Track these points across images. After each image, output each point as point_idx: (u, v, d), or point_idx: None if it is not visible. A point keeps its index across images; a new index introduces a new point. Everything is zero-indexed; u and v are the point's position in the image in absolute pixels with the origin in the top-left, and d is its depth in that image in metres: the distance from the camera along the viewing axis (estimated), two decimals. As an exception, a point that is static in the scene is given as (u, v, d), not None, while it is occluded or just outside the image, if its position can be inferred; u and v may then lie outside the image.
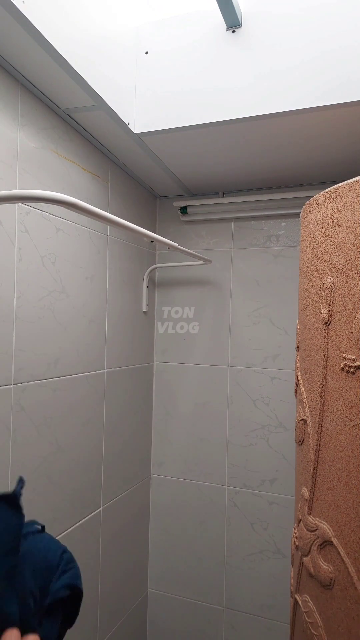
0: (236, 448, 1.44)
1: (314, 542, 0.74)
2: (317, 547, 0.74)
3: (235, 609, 1.44)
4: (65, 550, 0.55)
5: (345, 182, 0.71)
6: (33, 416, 0.93)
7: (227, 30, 0.97)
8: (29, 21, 0.70)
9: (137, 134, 1.06)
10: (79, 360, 1.08)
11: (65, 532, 1.04)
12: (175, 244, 1.10)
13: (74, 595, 0.52)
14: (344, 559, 0.68)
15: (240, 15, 0.95)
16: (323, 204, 0.75)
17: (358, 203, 0.68)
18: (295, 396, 0.88)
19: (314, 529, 0.75)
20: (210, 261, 1.37)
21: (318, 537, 0.73)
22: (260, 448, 1.41)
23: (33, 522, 0.54)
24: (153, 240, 0.96)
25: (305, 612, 0.78)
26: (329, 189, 0.74)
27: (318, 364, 0.75)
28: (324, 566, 0.72)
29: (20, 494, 0.48)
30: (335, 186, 0.72)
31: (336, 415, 0.71)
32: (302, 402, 0.82)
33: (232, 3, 0.89)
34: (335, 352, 0.71)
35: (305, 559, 0.77)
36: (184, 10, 1.01)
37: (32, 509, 0.93)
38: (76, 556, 1.15)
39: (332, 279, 0.72)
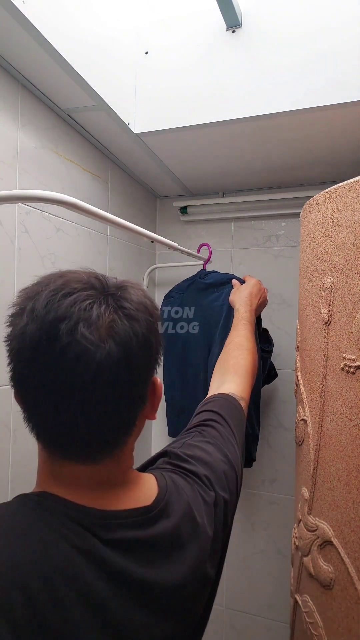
0: (236, 448, 1.44)
1: (314, 542, 0.74)
2: (317, 547, 0.74)
3: (235, 609, 1.44)
4: None
5: (345, 182, 0.71)
6: (33, 416, 0.93)
7: (227, 31, 0.97)
8: (29, 21, 0.70)
9: (137, 134, 1.06)
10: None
11: (65, 532, 1.04)
12: (175, 244, 1.10)
13: None
14: (344, 559, 0.68)
15: (240, 16, 0.95)
16: (323, 204, 0.75)
17: (358, 203, 0.68)
18: (295, 396, 0.88)
19: (314, 529, 0.75)
20: (209, 261, 1.37)
21: (318, 537, 0.73)
22: (260, 448, 1.41)
23: None
24: (153, 240, 0.96)
25: (305, 612, 0.78)
26: (329, 189, 0.74)
27: (318, 364, 0.75)
28: (324, 566, 0.72)
29: None
30: (335, 186, 0.72)
31: (336, 415, 0.71)
32: (302, 402, 0.82)
33: (232, 3, 0.89)
34: (335, 352, 0.71)
35: (305, 559, 0.77)
36: (184, 11, 1.01)
37: (32, 509, 0.93)
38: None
39: (332, 279, 0.72)
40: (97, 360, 0.40)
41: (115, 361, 0.41)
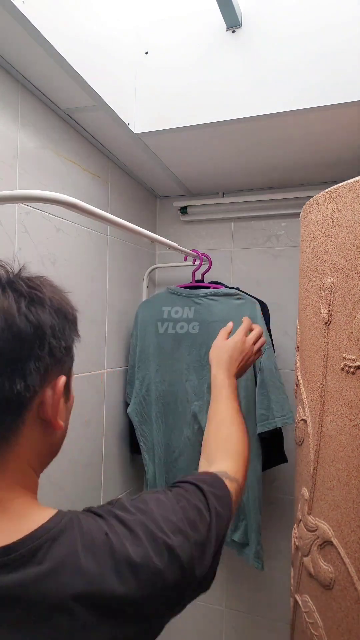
0: (236, 448, 1.44)
1: (314, 542, 0.74)
2: (317, 547, 0.74)
3: (235, 609, 1.44)
4: None
5: (345, 182, 0.71)
6: (33, 416, 0.93)
7: (227, 31, 0.97)
8: (29, 21, 0.70)
9: (137, 134, 1.06)
10: (79, 360, 1.08)
11: (65, 532, 1.04)
12: (176, 244, 1.10)
13: None
14: (344, 559, 0.68)
15: (240, 16, 0.95)
16: (323, 204, 0.75)
17: (358, 203, 0.68)
18: (295, 396, 0.88)
19: (314, 529, 0.75)
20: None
21: (318, 537, 0.73)
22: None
23: None
24: (153, 240, 0.96)
25: (305, 612, 0.78)
26: (329, 189, 0.74)
27: (318, 364, 0.75)
28: (324, 566, 0.72)
29: None
30: (335, 186, 0.72)
31: (336, 415, 0.71)
32: (302, 402, 0.82)
33: (232, 3, 0.89)
34: (335, 352, 0.71)
35: (305, 559, 0.77)
36: (184, 11, 1.01)
37: (32, 509, 0.93)
38: (76, 556, 1.14)
39: (332, 279, 0.72)
40: None
41: None
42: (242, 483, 0.67)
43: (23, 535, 0.39)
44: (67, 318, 0.48)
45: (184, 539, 0.46)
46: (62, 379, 0.46)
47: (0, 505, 0.41)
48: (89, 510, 0.46)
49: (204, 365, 1.24)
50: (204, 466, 0.72)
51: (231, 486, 0.62)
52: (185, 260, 1.36)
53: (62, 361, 0.47)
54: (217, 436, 0.76)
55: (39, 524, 0.40)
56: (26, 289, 0.43)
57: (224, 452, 0.72)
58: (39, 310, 0.43)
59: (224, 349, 0.90)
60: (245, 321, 0.96)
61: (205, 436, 0.79)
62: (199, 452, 0.76)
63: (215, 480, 0.60)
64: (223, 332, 0.96)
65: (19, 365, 0.41)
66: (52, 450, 0.48)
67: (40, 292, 0.44)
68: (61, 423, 0.46)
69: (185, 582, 0.45)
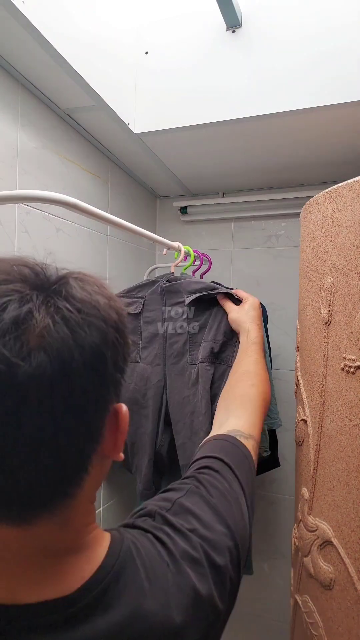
0: (236, 448, 1.44)
1: (314, 542, 0.74)
2: (317, 548, 0.74)
3: (235, 609, 1.44)
4: None
5: (345, 182, 0.71)
6: (33, 416, 0.92)
7: (227, 31, 0.97)
8: (29, 21, 0.70)
9: (137, 134, 1.06)
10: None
11: (65, 532, 1.04)
12: (175, 245, 1.10)
13: None
14: (344, 559, 0.68)
15: (240, 16, 0.94)
16: (323, 204, 0.75)
17: (358, 203, 0.68)
18: (295, 396, 0.88)
19: (314, 529, 0.75)
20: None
21: (318, 537, 0.73)
22: (260, 448, 1.41)
23: None
24: (153, 240, 0.96)
25: (305, 612, 0.78)
26: (329, 189, 0.74)
27: (318, 364, 0.75)
28: (324, 566, 0.71)
29: None
30: (335, 186, 0.72)
31: (336, 416, 0.71)
32: (302, 403, 0.82)
33: (232, 3, 0.89)
34: (335, 352, 0.71)
35: (305, 559, 0.77)
36: (184, 10, 1.01)
37: (32, 509, 0.93)
38: (76, 556, 1.13)
39: (332, 279, 0.72)
40: (18, 383, 0.29)
41: (47, 384, 0.30)
42: (258, 437, 0.69)
43: (88, 576, 0.36)
44: (123, 337, 0.37)
45: (233, 545, 0.47)
46: (123, 410, 0.39)
47: (85, 548, 0.38)
48: (134, 526, 0.43)
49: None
50: (220, 418, 0.73)
51: (247, 444, 0.63)
52: (185, 261, 1.36)
53: (119, 383, 0.38)
54: (235, 387, 0.79)
55: (100, 559, 0.37)
56: (82, 316, 0.33)
57: (240, 406, 0.73)
58: (102, 344, 0.33)
59: (254, 310, 0.93)
60: (244, 292, 1.00)
61: (225, 386, 0.82)
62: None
63: (235, 446, 0.61)
64: (228, 302, 0.98)
65: (89, 423, 0.35)
66: (104, 477, 0.43)
67: (100, 317, 0.34)
68: (121, 454, 0.41)
69: (240, 573, 0.49)
